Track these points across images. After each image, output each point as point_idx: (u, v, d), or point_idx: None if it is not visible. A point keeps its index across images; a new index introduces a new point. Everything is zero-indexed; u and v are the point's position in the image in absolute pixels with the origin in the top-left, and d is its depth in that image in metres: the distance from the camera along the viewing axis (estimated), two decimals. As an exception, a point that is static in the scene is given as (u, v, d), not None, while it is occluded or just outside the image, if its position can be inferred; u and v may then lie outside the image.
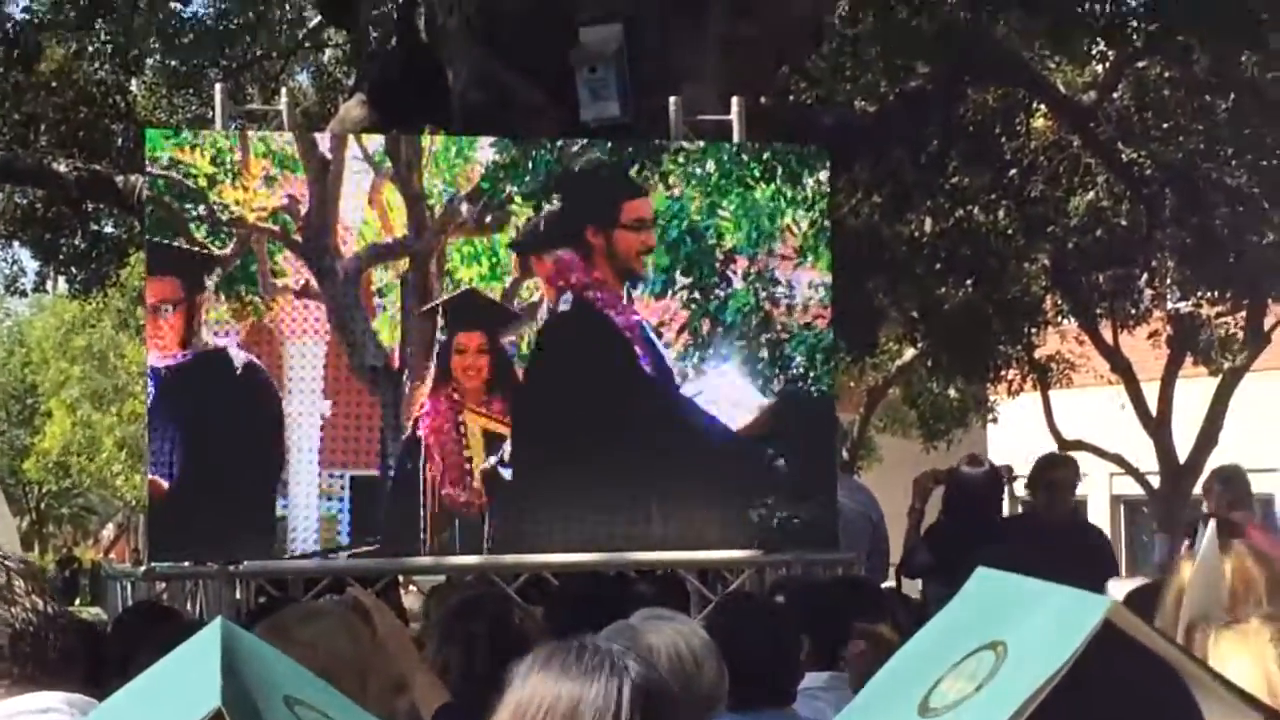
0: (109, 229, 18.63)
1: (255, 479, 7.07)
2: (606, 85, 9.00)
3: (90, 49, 17.10)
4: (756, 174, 7.63)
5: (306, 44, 19.36)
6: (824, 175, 7.82)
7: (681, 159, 7.62)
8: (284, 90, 10.49)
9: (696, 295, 7.50)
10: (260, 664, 1.60)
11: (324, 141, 7.50)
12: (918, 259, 18.34)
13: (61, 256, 18.64)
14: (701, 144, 7.75)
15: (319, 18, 17.20)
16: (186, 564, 7.01)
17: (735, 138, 7.98)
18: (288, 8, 18.60)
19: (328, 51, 19.80)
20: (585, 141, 7.68)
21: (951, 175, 17.43)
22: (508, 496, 7.25)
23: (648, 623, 3.60)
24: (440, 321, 7.28)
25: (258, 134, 7.71)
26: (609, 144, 7.67)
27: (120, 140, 16.77)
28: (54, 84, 16.65)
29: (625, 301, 7.42)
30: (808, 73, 16.79)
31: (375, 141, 7.64)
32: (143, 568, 7.15)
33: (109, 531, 49.37)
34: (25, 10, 16.77)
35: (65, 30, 16.63)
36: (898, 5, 15.84)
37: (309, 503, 7.10)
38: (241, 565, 7.03)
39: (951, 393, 25.22)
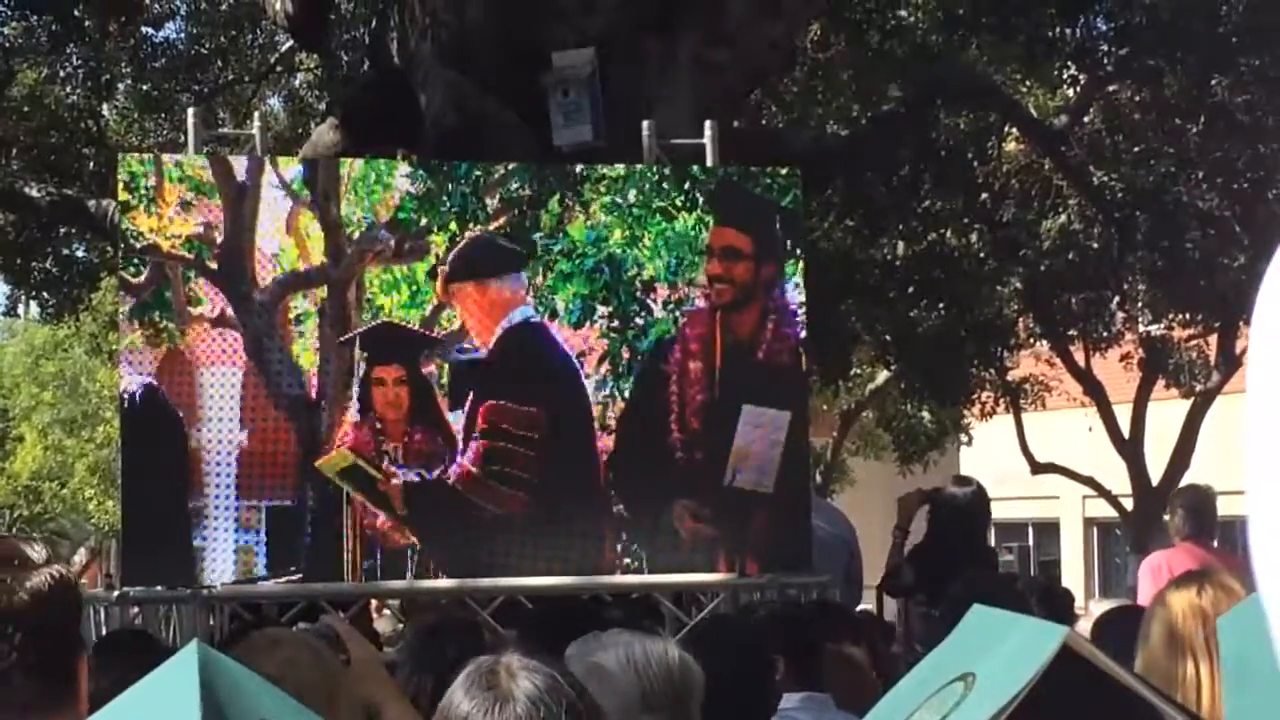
0: (81, 253, 18.60)
1: (170, 510, 6.99)
2: (579, 109, 9.01)
3: (62, 73, 17.07)
4: (679, 203, 7.60)
5: (278, 68, 19.35)
6: (796, 197, 7.81)
7: (603, 188, 7.58)
8: (256, 115, 10.49)
9: (615, 324, 7.47)
10: (236, 687, 1.60)
11: (240, 168, 7.36)
12: (890, 282, 18.38)
13: (33, 281, 18.58)
14: (622, 169, 7.70)
15: (290, 42, 17.19)
16: (159, 588, 6.97)
17: (709, 161, 7.99)
18: (259, 32, 18.58)
19: (299, 76, 19.79)
20: (506, 169, 7.59)
21: (924, 199, 17.48)
22: (437, 524, 7.20)
23: (617, 639, 3.60)
24: (351, 360, 7.18)
25: (173, 158, 7.62)
26: (528, 172, 7.60)
27: (92, 165, 16.75)
28: (25, 108, 16.64)
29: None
30: (780, 96, 16.84)
31: (293, 168, 7.53)
32: (115, 593, 7.10)
33: (81, 556, 49.20)
34: (-4, 35, 16.72)
35: (37, 55, 16.61)
36: (869, 30, 15.91)
37: (226, 534, 7.03)
38: (216, 589, 7.00)
39: (925, 416, 25.26)
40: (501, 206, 7.41)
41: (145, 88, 17.95)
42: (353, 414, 7.14)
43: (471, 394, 7.24)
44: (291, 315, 7.17)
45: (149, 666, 1.72)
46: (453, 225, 7.33)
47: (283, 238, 7.20)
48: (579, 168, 7.76)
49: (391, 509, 7.12)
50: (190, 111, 8.19)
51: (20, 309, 22.31)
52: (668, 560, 7.39)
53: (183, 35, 18.82)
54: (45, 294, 18.96)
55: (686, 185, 7.66)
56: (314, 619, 6.82)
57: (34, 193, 14.51)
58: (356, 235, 7.27)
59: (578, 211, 7.47)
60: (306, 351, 7.16)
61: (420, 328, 7.27)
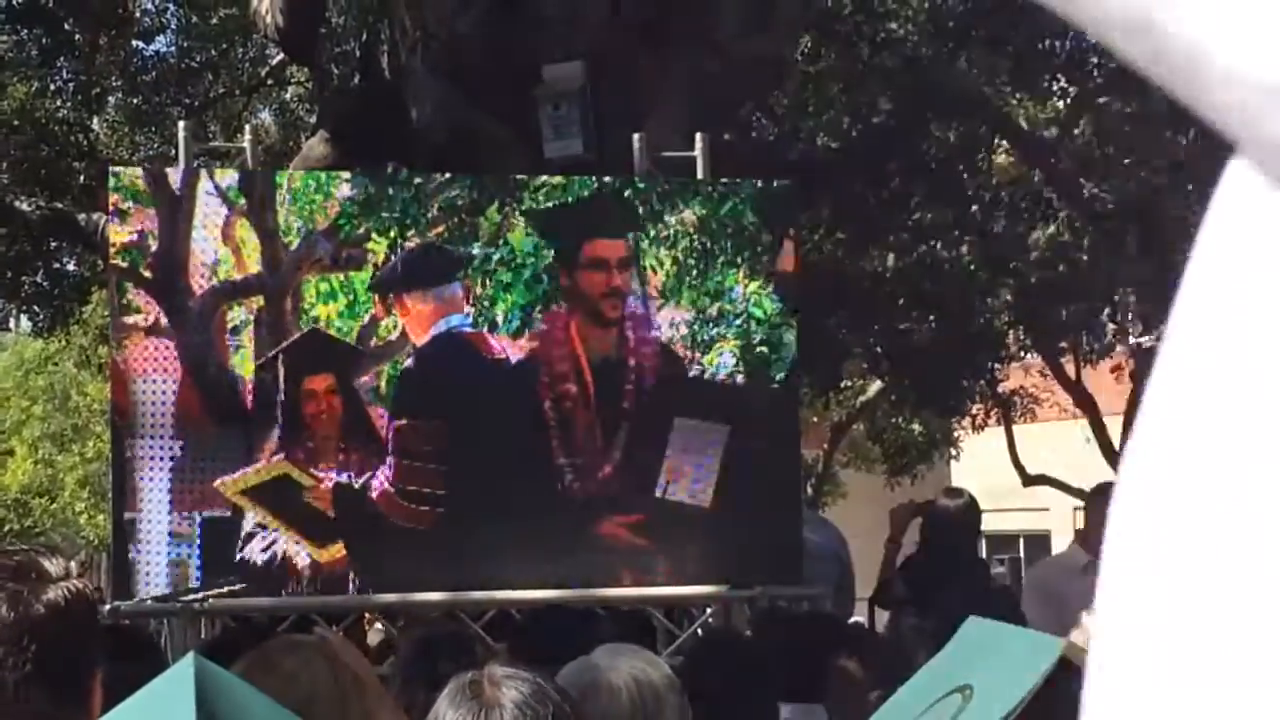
0: (71, 267, 18.59)
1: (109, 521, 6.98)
2: (570, 122, 9.01)
3: (52, 87, 17.08)
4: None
5: (269, 82, 19.36)
6: (752, 213, 7.76)
7: (543, 196, 7.55)
8: (248, 127, 10.47)
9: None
10: (232, 700, 1.60)
11: (175, 177, 7.32)
12: (881, 294, 18.39)
13: (23, 295, 18.57)
14: (561, 180, 7.68)
15: (281, 56, 17.20)
16: (149, 602, 6.96)
17: (699, 174, 7.99)
18: (250, 46, 18.59)
19: (290, 89, 19.80)
20: (445, 178, 7.55)
21: (914, 211, 17.50)
22: (364, 533, 7.19)
23: (611, 658, 3.60)
24: (282, 371, 7.10)
25: (111, 169, 7.61)
26: (469, 181, 7.56)
27: (82, 178, 16.74)
28: (16, 122, 16.62)
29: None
30: (770, 109, 16.86)
31: (229, 177, 7.50)
32: (106, 606, 7.09)
33: (73, 570, 49.07)
34: (-14, 48, 16.73)
35: (27, 68, 16.61)
36: (859, 42, 15.93)
37: (159, 546, 6.99)
38: (207, 603, 6.98)
39: (916, 428, 25.26)
40: (440, 215, 7.37)
41: (136, 101, 17.97)
42: (279, 428, 7.10)
43: (393, 407, 7.20)
44: (228, 325, 7.12)
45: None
46: (393, 232, 7.29)
47: (219, 246, 7.12)
48: (518, 177, 7.73)
49: (316, 521, 7.07)
50: (181, 125, 8.18)
51: (11, 323, 22.26)
52: (595, 572, 7.34)
53: (173, 49, 18.86)
54: (36, 307, 18.95)
55: (627, 194, 7.63)
56: (306, 633, 6.80)
57: (24, 206, 14.52)
58: (294, 244, 7.23)
59: (517, 219, 7.43)
60: (244, 362, 7.11)
61: (358, 337, 7.20)
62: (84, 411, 35.52)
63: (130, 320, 7.02)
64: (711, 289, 7.58)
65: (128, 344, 7.01)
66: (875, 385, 23.29)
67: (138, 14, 17.52)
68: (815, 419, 24.69)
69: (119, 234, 7.05)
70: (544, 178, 7.63)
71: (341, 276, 7.22)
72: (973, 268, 18.57)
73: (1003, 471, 23.91)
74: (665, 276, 7.53)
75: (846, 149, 15.90)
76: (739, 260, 7.65)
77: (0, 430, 39.19)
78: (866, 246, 17.99)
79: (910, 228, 17.74)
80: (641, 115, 8.88)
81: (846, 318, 18.34)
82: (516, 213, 7.40)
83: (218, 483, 6.99)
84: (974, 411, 22.67)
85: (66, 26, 15.58)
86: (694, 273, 7.57)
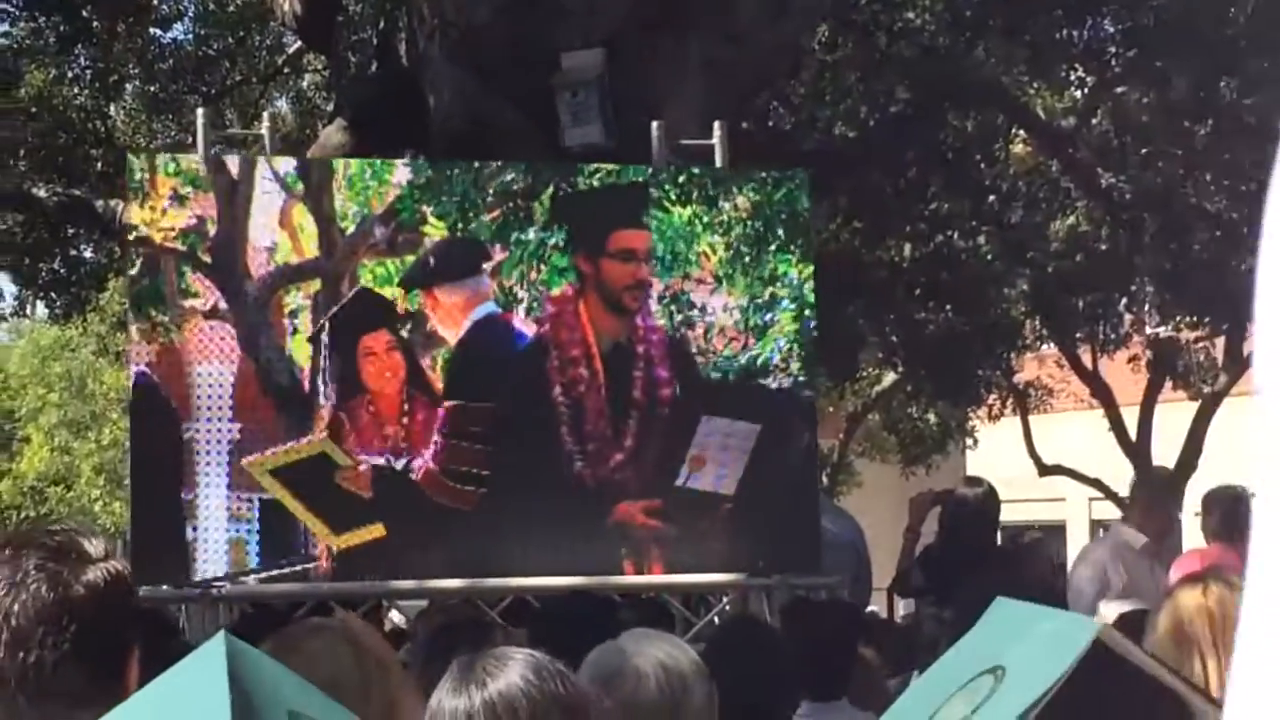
0: (88, 254, 18.59)
1: (162, 504, 7.00)
2: (588, 110, 9.00)
3: (70, 74, 17.09)
4: (673, 196, 7.60)
5: (286, 70, 19.35)
6: (806, 199, 7.81)
7: (596, 181, 7.58)
8: (266, 114, 10.48)
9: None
10: (263, 679, 1.60)
11: (234, 164, 7.41)
12: (898, 284, 18.37)
13: (41, 282, 18.58)
14: (616, 167, 7.70)
15: (298, 43, 17.20)
16: (166, 588, 6.97)
17: (718, 162, 7.99)
18: (267, 34, 18.58)
19: (307, 77, 19.79)
20: (499, 165, 7.60)
21: (931, 201, 17.47)
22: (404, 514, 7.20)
23: (637, 643, 3.60)
24: (333, 339, 7.17)
25: (167, 155, 7.66)
26: (524, 166, 7.59)
27: (99, 165, 16.74)
28: (33, 109, 16.63)
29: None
30: (787, 98, 16.83)
31: (287, 163, 7.57)
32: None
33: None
34: (5, 35, 16.74)
35: (45, 55, 16.62)
36: (877, 31, 15.90)
37: (218, 526, 7.04)
38: (224, 589, 7.00)
39: (931, 418, 25.23)
40: (496, 200, 7.40)
41: (153, 89, 17.97)
42: (337, 397, 7.13)
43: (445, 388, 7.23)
44: (286, 309, 7.16)
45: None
46: (451, 216, 7.33)
47: (276, 231, 7.19)
48: (576, 163, 7.77)
49: (337, 506, 7.09)
50: (200, 111, 8.19)
51: (28, 309, 22.30)
52: (612, 559, 7.36)
53: (190, 36, 18.85)
54: (53, 294, 18.96)
55: (681, 180, 7.65)
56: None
57: (42, 193, 14.51)
58: (350, 229, 7.27)
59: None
60: (301, 345, 7.15)
61: (414, 321, 7.27)
62: (100, 399, 35.58)
63: (188, 304, 7.09)
64: (765, 274, 7.60)
65: (186, 327, 7.04)
66: (890, 375, 23.26)
67: (155, 1, 17.51)
68: (830, 409, 24.68)
69: (176, 218, 7.08)
70: (597, 164, 7.66)
71: (397, 261, 7.27)
72: (989, 258, 18.55)
73: (1019, 462, 23.86)
74: (719, 262, 7.56)
75: (863, 139, 15.86)
76: (793, 246, 7.67)
77: (16, 418, 39.27)
78: (883, 236, 17.96)
79: (927, 218, 17.72)
80: (658, 103, 8.87)
81: (863, 308, 18.32)
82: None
83: (246, 461, 7.02)
84: (990, 401, 22.63)
85: (84, 14, 15.57)
86: (747, 258, 7.59)
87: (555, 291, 7.36)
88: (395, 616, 9.19)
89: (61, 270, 18.28)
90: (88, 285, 18.69)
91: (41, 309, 21.34)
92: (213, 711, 1.45)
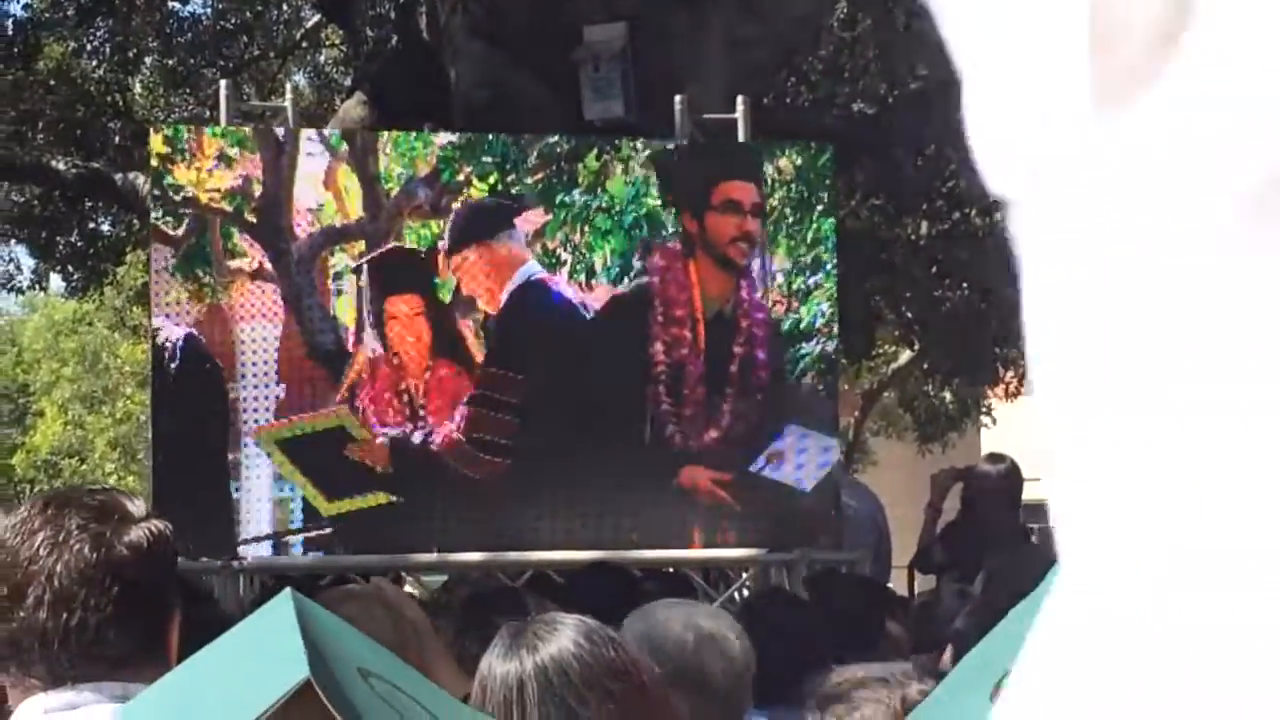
0: (106, 227, 18.59)
1: (207, 466, 7.02)
2: (610, 84, 8.98)
3: (89, 47, 17.08)
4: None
5: (304, 44, 19.33)
6: (829, 174, 7.80)
7: (639, 145, 7.60)
8: (288, 87, 10.47)
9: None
10: (331, 635, 1.60)
11: (279, 130, 7.48)
12: (915, 262, 18.33)
13: (58, 255, 18.59)
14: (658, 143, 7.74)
15: (317, 17, 17.18)
16: (182, 559, 6.97)
17: (740, 137, 7.98)
18: (285, 7, 18.56)
19: (325, 52, 19.76)
20: (533, 136, 7.61)
21: (949, 178, 17.43)
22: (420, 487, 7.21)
23: (674, 609, 3.61)
24: (360, 301, 7.19)
25: (153, 127, 7.71)
26: (564, 135, 7.62)
27: (118, 139, 16.74)
28: (52, 82, 16.62)
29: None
30: (806, 75, 16.80)
31: (331, 128, 7.62)
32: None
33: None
34: (24, 8, 16.75)
35: (64, 28, 16.61)
36: (896, 8, 15.86)
37: (263, 486, 7.07)
38: (246, 561, 7.01)
39: (947, 396, 25.20)
40: (540, 162, 7.41)
41: (171, 63, 17.94)
42: (365, 354, 7.15)
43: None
44: (330, 270, 7.19)
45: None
46: (493, 177, 7.33)
47: (321, 192, 7.22)
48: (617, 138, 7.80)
49: (343, 477, 7.09)
50: (223, 84, 8.19)
51: (45, 282, 22.32)
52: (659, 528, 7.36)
53: (209, 10, 18.82)
54: (70, 268, 18.96)
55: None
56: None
57: (60, 166, 14.52)
58: (394, 191, 7.28)
59: (616, 167, 7.46)
60: (346, 306, 7.18)
61: (449, 284, 7.28)
62: (115, 373, 35.66)
63: (235, 264, 7.10)
64: (808, 237, 7.60)
65: (232, 288, 7.06)
66: (907, 353, 23.22)
67: (173, -25, 17.51)
68: (845, 386, 24.65)
69: (221, 179, 7.10)
70: (642, 140, 7.69)
71: (442, 222, 7.27)
72: (1007, 235, 18.48)
73: (1035, 440, 23.84)
74: (761, 225, 7.57)
75: (882, 115, 15.83)
76: (835, 211, 7.71)
77: (30, 391, 39.37)
78: (901, 214, 17.93)
79: (945, 194, 17.68)
80: (680, 78, 8.85)
81: (880, 285, 18.30)
82: (615, 160, 7.44)
83: (255, 429, 7.04)
84: (1007, 379, 22.59)
85: (103, -13, 15.59)
86: (790, 221, 7.59)
87: (666, 246, 7.36)
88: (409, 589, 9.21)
89: (79, 243, 18.28)
90: (105, 259, 18.69)
91: (58, 282, 21.35)
92: (288, 664, 1.45)
